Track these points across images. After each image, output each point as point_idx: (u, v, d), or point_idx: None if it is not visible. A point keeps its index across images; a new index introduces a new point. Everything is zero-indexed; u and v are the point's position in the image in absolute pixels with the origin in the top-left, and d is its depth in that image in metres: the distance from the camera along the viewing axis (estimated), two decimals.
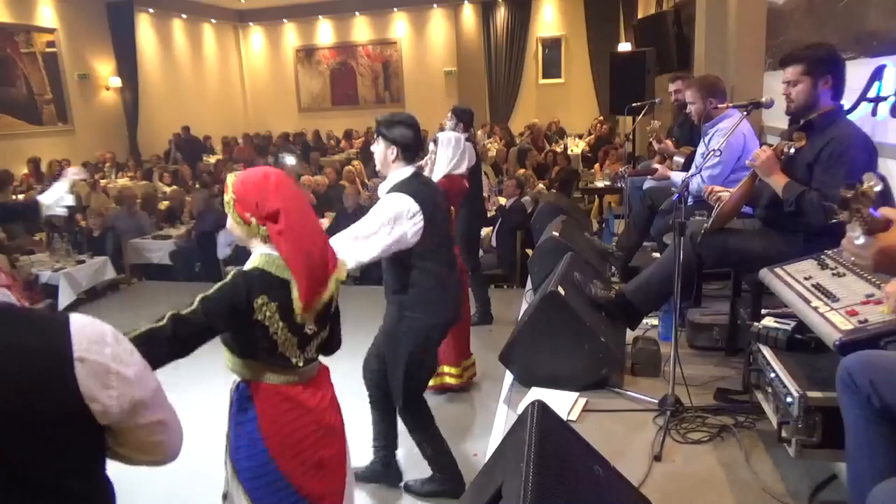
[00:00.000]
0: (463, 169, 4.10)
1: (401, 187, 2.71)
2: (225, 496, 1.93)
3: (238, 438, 1.85)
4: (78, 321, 1.12)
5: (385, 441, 3.22)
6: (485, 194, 7.59)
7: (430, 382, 3.35)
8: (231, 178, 1.88)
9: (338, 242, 2.52)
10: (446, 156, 3.98)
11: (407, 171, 2.77)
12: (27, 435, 1.06)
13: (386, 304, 2.92)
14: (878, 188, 1.46)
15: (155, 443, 1.23)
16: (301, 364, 1.87)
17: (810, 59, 2.56)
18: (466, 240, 4.86)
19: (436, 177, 3.87)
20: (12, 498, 1.07)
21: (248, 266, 1.84)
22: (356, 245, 2.58)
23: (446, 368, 4.08)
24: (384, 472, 3.26)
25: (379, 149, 2.78)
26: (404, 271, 2.77)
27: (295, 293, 1.78)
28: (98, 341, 1.12)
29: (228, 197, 1.85)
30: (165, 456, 1.28)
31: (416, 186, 2.73)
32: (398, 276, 2.79)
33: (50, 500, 1.11)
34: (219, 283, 1.77)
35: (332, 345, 2.06)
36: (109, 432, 1.16)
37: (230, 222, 1.89)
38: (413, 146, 2.77)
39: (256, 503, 1.82)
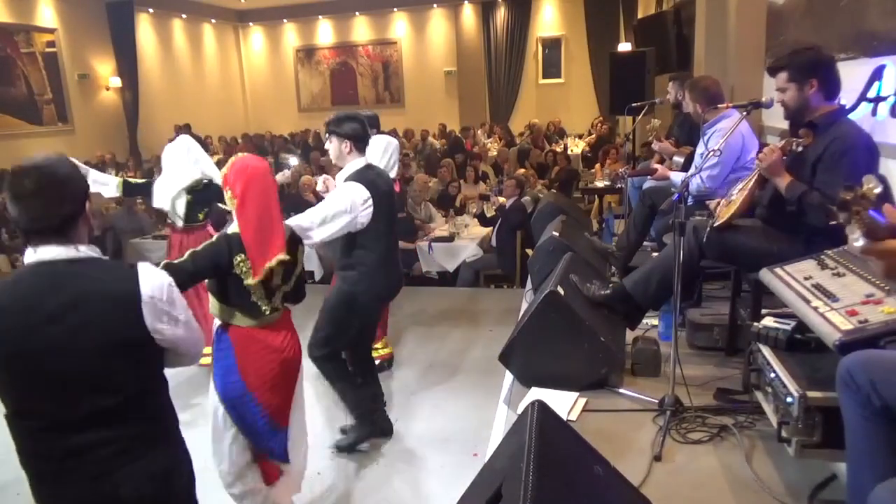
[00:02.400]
0: (393, 173, 4.09)
1: (355, 176, 3.11)
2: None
3: (218, 368, 2.43)
4: (145, 271, 1.63)
5: (359, 408, 3.49)
6: (486, 193, 7.60)
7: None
8: (232, 159, 2.47)
9: (298, 222, 2.89)
10: (376, 158, 3.96)
11: (360, 161, 3.18)
12: (118, 354, 1.57)
13: (334, 279, 3.37)
14: (877, 190, 1.46)
15: (188, 354, 1.79)
16: (268, 311, 2.42)
17: (792, 66, 2.57)
18: None
19: None
20: (113, 399, 1.59)
21: (230, 230, 2.38)
22: (315, 227, 2.93)
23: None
24: (371, 429, 3.54)
25: (333, 146, 3.18)
26: (353, 250, 3.16)
27: (249, 264, 2.32)
28: (158, 287, 1.63)
29: (224, 170, 2.45)
30: (194, 360, 1.85)
31: (369, 176, 3.13)
32: (347, 254, 3.19)
33: (138, 397, 1.65)
34: (206, 242, 2.36)
35: (297, 296, 2.61)
36: (165, 350, 1.69)
37: (224, 190, 2.43)
38: (363, 137, 3.19)
39: (231, 413, 2.42)
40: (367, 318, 3.39)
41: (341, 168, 3.25)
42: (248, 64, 16.33)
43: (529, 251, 5.42)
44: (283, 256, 2.37)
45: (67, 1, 11.20)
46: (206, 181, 4.40)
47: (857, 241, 1.53)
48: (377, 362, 4.21)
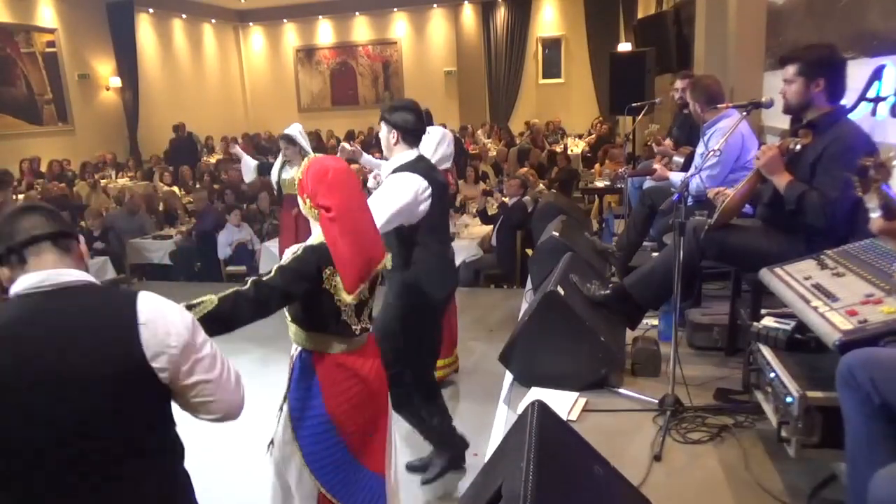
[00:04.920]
0: (448, 164, 4.06)
1: (408, 167, 2.80)
2: (271, 443, 2.16)
3: (298, 401, 2.06)
4: (144, 295, 1.39)
5: (434, 437, 3.18)
6: (489, 190, 7.57)
7: None
8: (305, 162, 2.13)
9: None
10: (432, 149, 3.95)
11: (411, 153, 2.87)
12: (108, 391, 1.31)
13: (387, 281, 2.95)
14: None
15: (203, 402, 1.45)
16: (358, 332, 2.10)
17: (805, 61, 2.56)
18: None
19: None
20: (101, 446, 1.33)
21: (314, 241, 2.05)
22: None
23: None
24: (448, 467, 3.21)
25: (383, 133, 2.90)
26: (408, 247, 2.85)
27: (339, 282, 1.99)
28: (158, 313, 1.37)
29: (298, 174, 2.12)
30: (220, 414, 1.49)
31: (423, 167, 2.84)
32: (401, 252, 2.85)
33: (130, 453, 1.37)
34: (292, 256, 2.00)
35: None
36: (175, 389, 1.41)
37: (299, 197, 2.12)
38: (413, 130, 2.87)
39: (309, 456, 2.04)
40: (429, 323, 3.01)
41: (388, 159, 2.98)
42: (248, 64, 16.33)
43: (529, 251, 5.42)
44: (386, 264, 2.09)
45: (67, 1, 11.20)
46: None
47: (875, 212, 1.53)
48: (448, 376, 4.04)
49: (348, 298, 1.99)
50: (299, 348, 2.11)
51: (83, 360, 1.30)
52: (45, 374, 1.28)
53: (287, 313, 2.08)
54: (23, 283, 1.35)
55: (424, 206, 2.77)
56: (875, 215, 1.55)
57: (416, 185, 2.74)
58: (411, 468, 3.32)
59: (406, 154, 2.86)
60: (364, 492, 2.11)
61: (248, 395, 1.57)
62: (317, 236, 2.06)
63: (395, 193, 2.71)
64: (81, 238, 1.49)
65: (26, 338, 1.30)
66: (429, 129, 4.06)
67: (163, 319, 1.38)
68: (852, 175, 1.58)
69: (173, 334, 1.37)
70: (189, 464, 1.57)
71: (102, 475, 1.35)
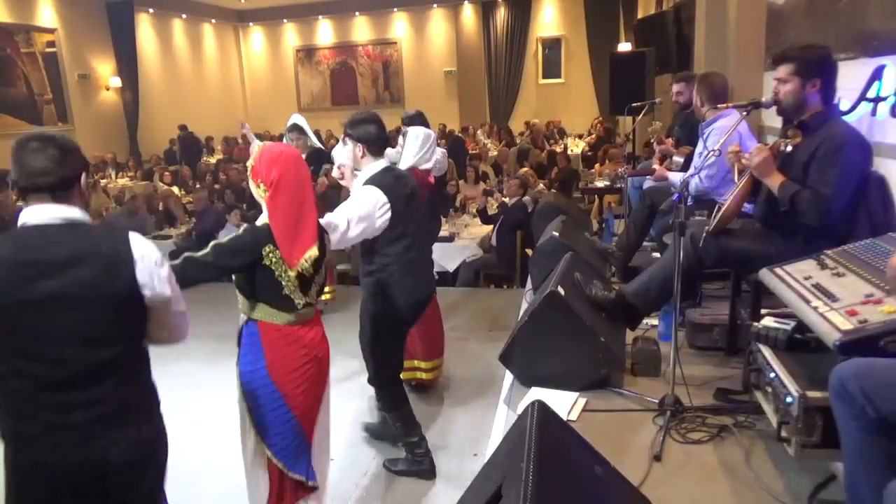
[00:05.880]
0: (430, 164, 4.06)
1: (372, 180, 2.95)
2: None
3: (246, 366, 2.25)
4: (134, 236, 1.73)
5: (408, 435, 3.28)
6: (490, 189, 7.56)
7: (402, 375, 3.42)
8: (256, 150, 2.30)
9: (327, 220, 2.75)
10: (412, 149, 3.97)
11: (378, 164, 3.02)
12: (108, 309, 1.66)
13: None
14: None
15: (176, 326, 1.83)
16: (301, 306, 2.25)
17: (801, 60, 2.57)
18: None
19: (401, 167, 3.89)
20: (103, 355, 1.67)
21: (260, 221, 2.24)
22: (339, 230, 2.78)
23: (418, 363, 4.07)
24: (417, 467, 3.30)
25: (348, 149, 3.07)
26: (372, 257, 3.05)
27: (279, 255, 2.17)
28: (147, 251, 1.73)
29: (250, 162, 2.29)
30: (179, 339, 1.88)
31: (388, 179, 2.97)
32: (367, 262, 3.07)
33: (126, 359, 1.73)
34: (231, 234, 2.22)
35: (323, 285, 2.46)
36: (150, 314, 1.76)
37: (251, 183, 2.29)
38: (377, 140, 3.01)
39: (258, 418, 2.24)
40: (394, 329, 3.16)
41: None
42: (248, 64, 16.34)
43: (529, 251, 5.42)
44: (315, 252, 2.23)
45: (67, 1, 11.21)
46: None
47: None
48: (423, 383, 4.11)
49: (291, 272, 2.18)
50: (245, 317, 2.28)
51: (88, 284, 1.62)
52: (56, 293, 1.59)
53: (235, 284, 2.28)
54: (33, 216, 1.64)
55: (383, 220, 2.92)
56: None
57: (374, 200, 2.89)
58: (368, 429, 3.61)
59: (373, 166, 3.00)
60: (304, 454, 2.30)
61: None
62: (264, 216, 2.24)
63: (355, 208, 2.87)
64: (83, 178, 1.73)
65: (40, 262, 1.59)
66: (408, 129, 4.08)
67: (149, 258, 1.72)
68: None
69: (157, 270, 1.73)
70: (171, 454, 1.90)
71: (93, 377, 1.66)
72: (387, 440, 3.57)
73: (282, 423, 2.25)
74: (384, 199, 2.90)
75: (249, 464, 2.33)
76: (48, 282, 1.59)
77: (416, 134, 4.04)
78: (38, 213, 1.64)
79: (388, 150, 3.39)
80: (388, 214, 2.92)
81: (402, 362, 3.36)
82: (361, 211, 2.86)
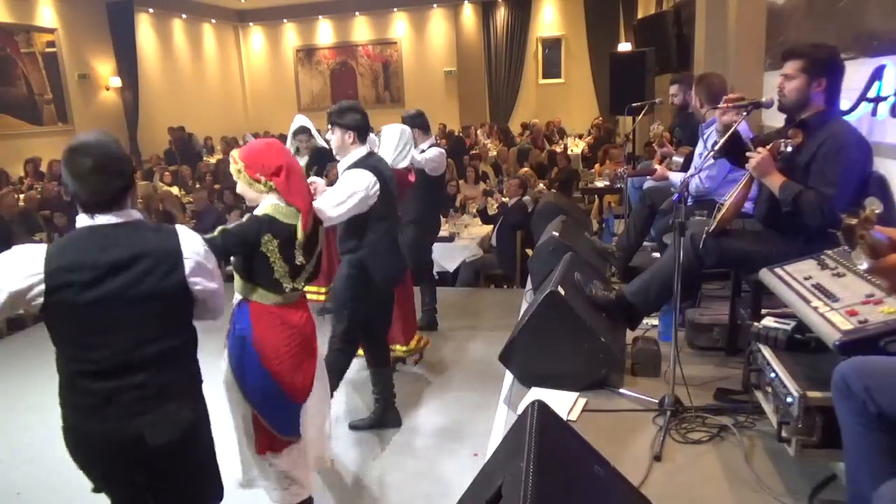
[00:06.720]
0: (405, 163, 4.08)
1: (360, 163, 3.19)
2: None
3: (235, 341, 2.43)
4: (183, 232, 1.90)
5: (382, 391, 3.68)
6: (490, 189, 7.55)
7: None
8: (235, 153, 2.46)
9: (316, 203, 2.90)
10: (388, 148, 4.01)
11: (363, 150, 3.27)
12: (166, 302, 1.82)
13: (340, 264, 3.43)
14: (878, 210, 1.46)
15: (216, 308, 2.00)
16: (289, 290, 2.45)
17: (810, 58, 2.55)
18: (415, 258, 4.56)
19: None
20: (156, 346, 1.81)
21: (259, 212, 2.41)
22: (329, 207, 2.96)
23: (398, 348, 4.29)
24: (384, 417, 3.72)
25: (336, 136, 3.25)
26: (359, 232, 3.27)
27: (299, 223, 2.40)
28: (196, 249, 1.88)
29: (238, 166, 2.41)
30: (217, 317, 2.04)
31: (373, 162, 3.24)
32: (353, 237, 3.28)
33: (175, 346, 1.88)
34: (237, 222, 2.41)
35: (315, 273, 2.61)
36: (197, 301, 1.92)
37: (241, 187, 2.46)
38: (364, 128, 3.27)
39: (249, 393, 2.41)
40: (377, 297, 3.42)
41: (340, 160, 3.35)
42: (248, 64, 16.33)
43: (529, 251, 5.42)
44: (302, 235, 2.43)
45: (67, 1, 11.20)
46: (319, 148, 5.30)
47: (863, 264, 1.53)
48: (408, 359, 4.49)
49: (301, 236, 2.41)
50: (240, 297, 2.47)
51: (145, 281, 1.77)
52: (120, 292, 1.74)
53: (233, 265, 2.48)
54: (89, 220, 1.77)
55: (374, 199, 3.16)
56: (860, 261, 1.55)
57: (368, 181, 3.11)
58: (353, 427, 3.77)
59: (358, 151, 3.25)
60: (285, 414, 2.49)
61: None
62: (262, 208, 2.41)
63: (350, 188, 3.06)
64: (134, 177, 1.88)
65: (106, 263, 1.73)
66: (385, 128, 4.12)
67: (198, 254, 1.88)
68: (837, 232, 1.58)
69: (205, 265, 1.89)
70: None
71: (147, 362, 1.80)
72: (384, 426, 3.75)
73: (264, 385, 2.43)
74: (374, 179, 3.14)
75: (240, 425, 2.52)
76: (113, 281, 1.73)
77: (389, 133, 4.08)
78: (101, 219, 1.78)
79: (371, 137, 3.60)
80: (378, 192, 3.16)
81: (375, 328, 3.56)
82: (357, 190, 3.06)
